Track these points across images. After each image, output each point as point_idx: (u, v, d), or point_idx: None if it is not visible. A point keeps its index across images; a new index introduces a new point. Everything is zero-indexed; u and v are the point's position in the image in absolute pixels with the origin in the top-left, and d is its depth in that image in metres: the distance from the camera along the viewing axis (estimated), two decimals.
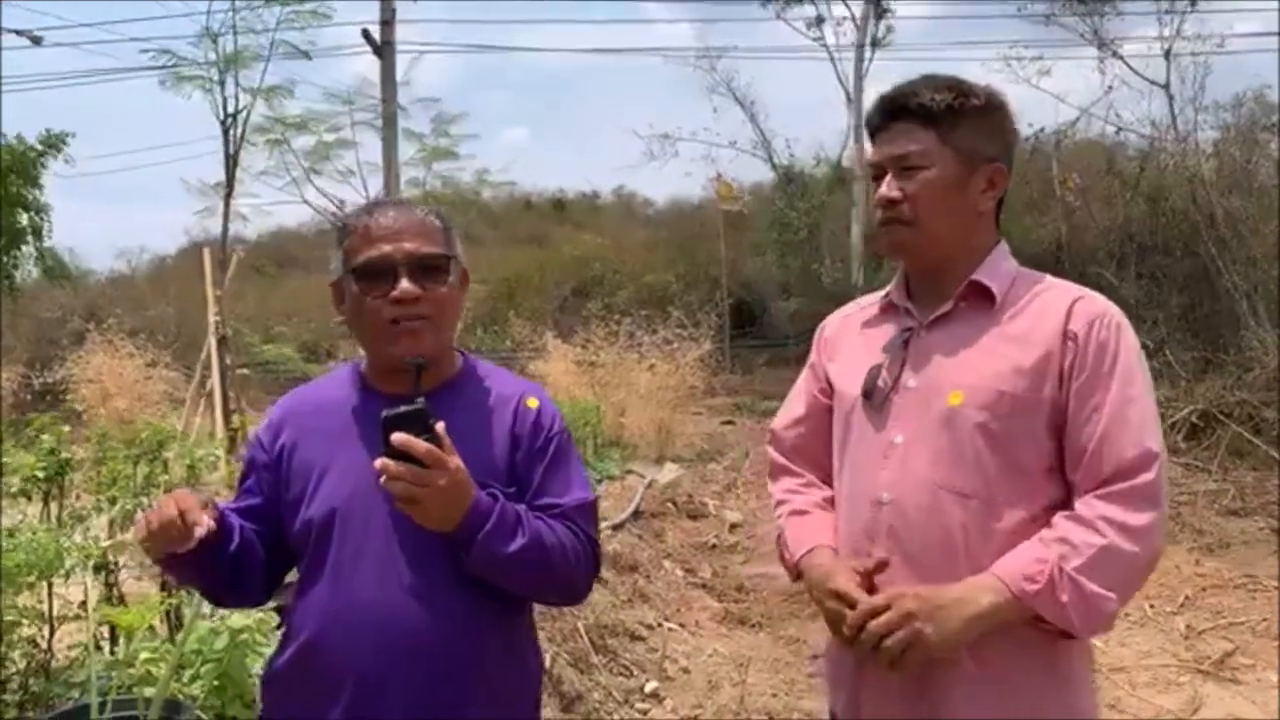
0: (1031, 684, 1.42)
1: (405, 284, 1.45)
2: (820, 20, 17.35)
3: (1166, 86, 12.73)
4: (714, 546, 6.34)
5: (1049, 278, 1.55)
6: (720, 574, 5.77)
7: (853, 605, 1.41)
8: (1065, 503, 1.43)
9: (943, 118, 1.48)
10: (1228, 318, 10.59)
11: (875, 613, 1.38)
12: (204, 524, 1.34)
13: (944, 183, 1.48)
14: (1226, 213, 11.14)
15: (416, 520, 1.36)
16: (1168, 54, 12.80)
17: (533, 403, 1.55)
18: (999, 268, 1.52)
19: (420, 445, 1.30)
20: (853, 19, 16.80)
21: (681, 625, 4.79)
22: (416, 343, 1.45)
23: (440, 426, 1.34)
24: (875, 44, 16.69)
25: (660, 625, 4.68)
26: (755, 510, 7.31)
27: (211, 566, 1.44)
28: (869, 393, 1.53)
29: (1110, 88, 13.47)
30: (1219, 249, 10.87)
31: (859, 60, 16.58)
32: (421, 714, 1.42)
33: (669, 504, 6.91)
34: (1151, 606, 4.72)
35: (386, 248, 1.46)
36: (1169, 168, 12.53)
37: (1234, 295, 10.42)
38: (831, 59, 17.22)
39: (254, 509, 1.55)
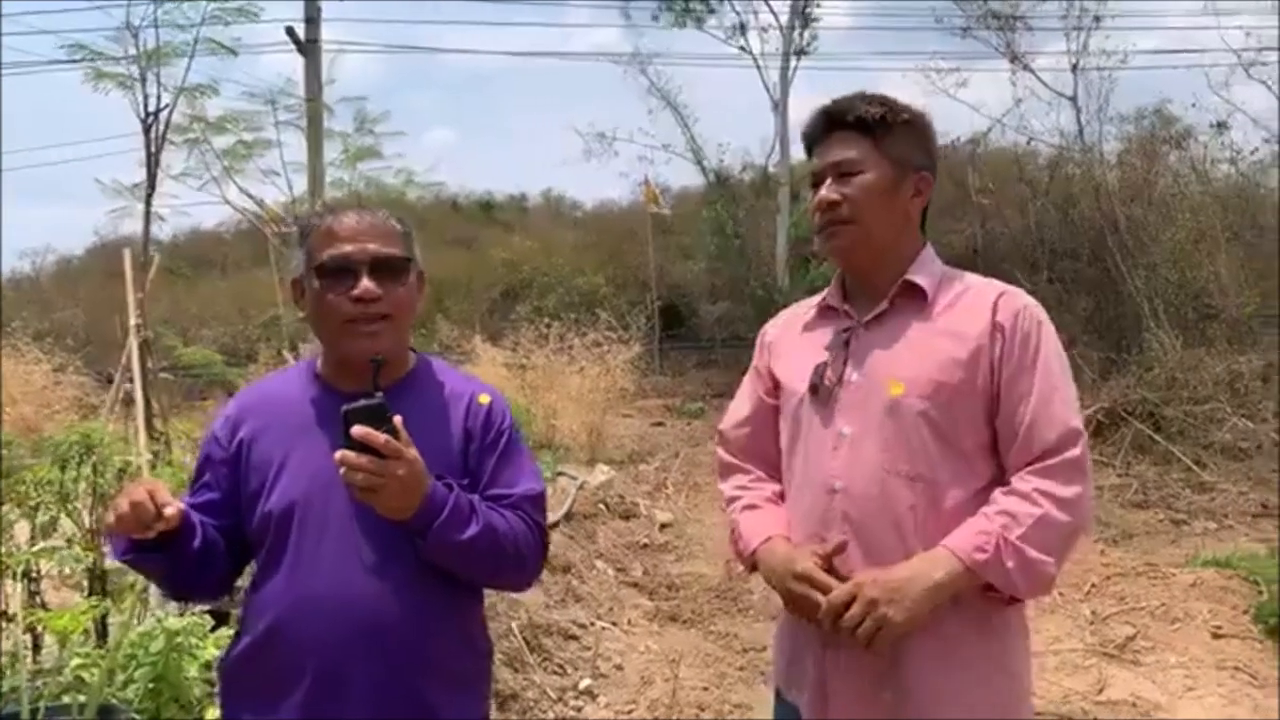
0: (980, 653, 1.57)
1: (366, 283, 1.50)
2: (743, 28, 17.59)
3: (1074, 99, 13.29)
4: (645, 546, 6.42)
5: (970, 275, 1.69)
6: (651, 573, 5.86)
7: (816, 585, 1.53)
8: (999, 480, 1.58)
9: (877, 127, 1.62)
10: (1131, 320, 11.12)
11: (843, 607, 1.49)
12: (173, 504, 1.38)
13: (879, 186, 1.62)
14: (1129, 220, 11.70)
15: (375, 509, 1.41)
16: (1075, 68, 13.36)
17: (484, 399, 1.62)
18: (929, 268, 1.66)
19: (379, 437, 1.36)
20: (779, 28, 17.09)
21: (614, 624, 4.85)
22: (375, 342, 1.51)
23: (398, 420, 1.39)
24: (800, 53, 16.99)
25: (593, 624, 4.73)
26: (685, 510, 7.42)
27: (178, 562, 1.47)
28: (816, 388, 1.64)
29: (1021, 99, 14.00)
30: (1122, 255, 11.41)
31: (784, 68, 16.85)
32: (380, 701, 1.47)
33: (601, 505, 6.96)
34: (1060, 594, 4.96)
35: (349, 248, 1.52)
36: (1076, 177, 13.10)
37: (1136, 299, 10.94)
38: (757, 66, 17.49)
39: (212, 503, 1.58)
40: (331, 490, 1.47)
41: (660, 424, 11.74)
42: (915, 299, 1.63)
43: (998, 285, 1.65)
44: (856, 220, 1.62)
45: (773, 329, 1.86)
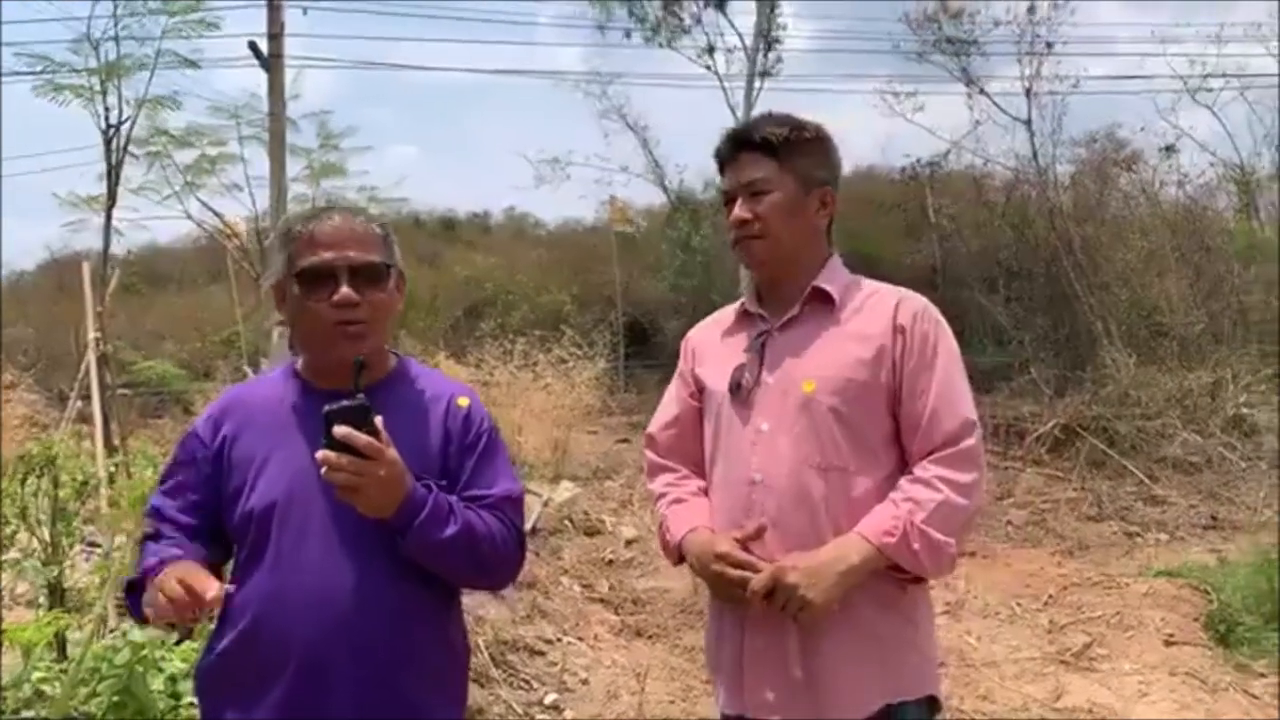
0: (890, 632, 1.69)
1: (345, 289, 1.53)
2: (711, 49, 17.80)
3: (1028, 123, 13.62)
4: (611, 562, 6.42)
5: (871, 281, 1.83)
6: (617, 588, 5.85)
7: (736, 565, 1.63)
8: (903, 468, 1.71)
9: (781, 148, 1.74)
10: (1085, 338, 11.39)
11: (766, 593, 1.59)
12: (217, 589, 1.38)
13: (786, 203, 1.75)
14: (1083, 241, 12.01)
15: (357, 508, 1.44)
16: (1029, 92, 13.70)
17: (463, 401, 1.65)
18: (835, 275, 1.79)
19: (361, 438, 1.38)
20: (744, 50, 17.29)
21: (580, 639, 4.84)
22: (354, 346, 1.53)
23: (379, 421, 1.42)
24: (765, 75, 17.20)
25: (559, 639, 4.72)
26: (651, 526, 7.43)
27: None
28: (735, 388, 1.75)
29: (978, 122, 14.32)
30: (1076, 274, 11.70)
31: (749, 90, 17.04)
32: (361, 696, 1.49)
33: (566, 521, 6.96)
34: (1019, 605, 5.06)
35: (329, 254, 1.54)
36: (1031, 198, 13.41)
37: (1090, 317, 11.22)
38: (723, 87, 17.68)
39: (193, 504, 1.58)
40: (313, 489, 1.49)
41: (625, 441, 11.73)
42: (824, 304, 1.76)
43: (898, 290, 1.79)
44: (766, 235, 1.75)
45: (696, 335, 1.97)
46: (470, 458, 1.61)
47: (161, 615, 1.38)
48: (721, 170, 1.83)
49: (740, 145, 1.78)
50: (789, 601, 1.57)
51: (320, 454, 1.39)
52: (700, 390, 1.88)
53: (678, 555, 1.80)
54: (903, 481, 1.67)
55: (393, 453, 1.42)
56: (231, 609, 1.55)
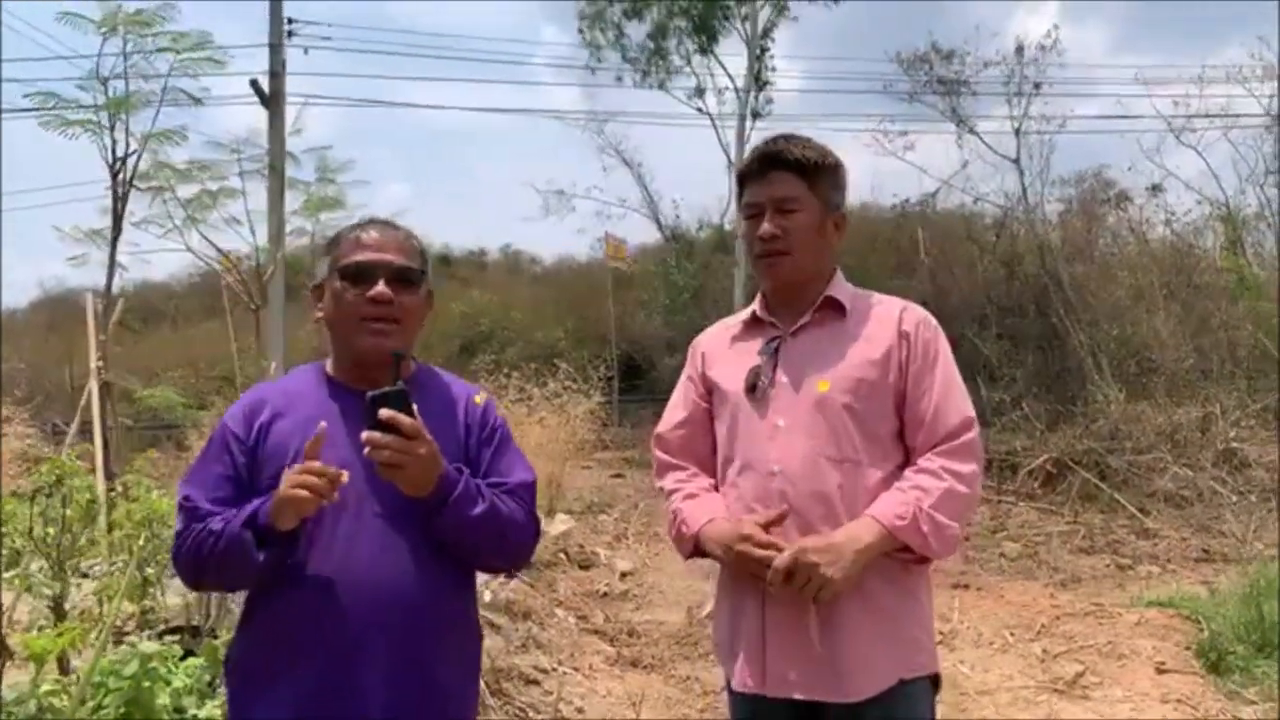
0: (899, 610, 1.81)
1: (381, 287, 1.65)
2: (701, 91, 18.13)
3: (1017, 161, 13.84)
4: (605, 594, 6.43)
5: (875, 293, 1.97)
6: (612, 619, 5.86)
7: (759, 544, 1.73)
8: (908, 462, 1.84)
9: (811, 171, 1.87)
10: (1076, 374, 11.48)
11: (788, 570, 1.69)
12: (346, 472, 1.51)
13: (811, 224, 1.88)
14: (1071, 278, 12.16)
15: (399, 485, 1.54)
16: (1017, 132, 13.94)
17: (480, 399, 1.79)
18: (843, 288, 1.94)
19: (405, 419, 1.51)
20: (735, 90, 17.60)
21: (576, 669, 4.85)
22: (384, 340, 1.65)
23: (415, 407, 1.53)
24: (755, 115, 17.50)
25: (555, 669, 4.73)
26: (646, 559, 7.44)
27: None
28: (752, 389, 1.87)
29: (968, 162, 14.55)
30: (1066, 311, 11.82)
31: (740, 129, 17.32)
32: (391, 672, 1.56)
33: (561, 554, 6.98)
34: (1012, 635, 5.08)
35: (371, 255, 1.68)
36: (1020, 236, 13.59)
37: (1081, 353, 11.32)
38: (715, 126, 17.97)
39: (222, 499, 1.64)
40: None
41: (619, 475, 11.76)
42: (834, 312, 1.90)
43: (900, 301, 1.93)
44: (792, 252, 1.87)
45: (705, 340, 2.09)
46: (488, 449, 1.74)
47: (302, 507, 1.49)
48: (743, 186, 1.95)
49: (771, 164, 1.88)
50: (810, 579, 1.67)
51: (366, 434, 1.50)
52: (710, 392, 1.98)
53: (692, 547, 1.89)
54: (908, 471, 1.80)
55: (429, 435, 1.54)
56: (264, 591, 1.63)
